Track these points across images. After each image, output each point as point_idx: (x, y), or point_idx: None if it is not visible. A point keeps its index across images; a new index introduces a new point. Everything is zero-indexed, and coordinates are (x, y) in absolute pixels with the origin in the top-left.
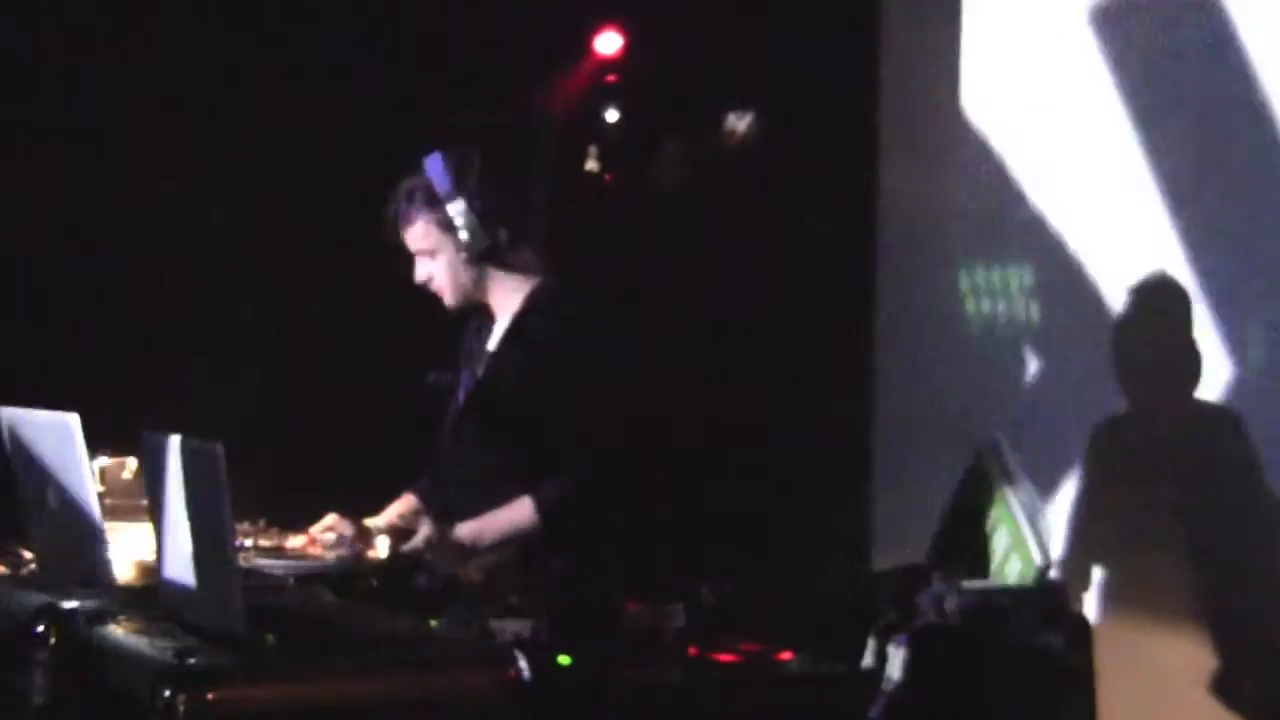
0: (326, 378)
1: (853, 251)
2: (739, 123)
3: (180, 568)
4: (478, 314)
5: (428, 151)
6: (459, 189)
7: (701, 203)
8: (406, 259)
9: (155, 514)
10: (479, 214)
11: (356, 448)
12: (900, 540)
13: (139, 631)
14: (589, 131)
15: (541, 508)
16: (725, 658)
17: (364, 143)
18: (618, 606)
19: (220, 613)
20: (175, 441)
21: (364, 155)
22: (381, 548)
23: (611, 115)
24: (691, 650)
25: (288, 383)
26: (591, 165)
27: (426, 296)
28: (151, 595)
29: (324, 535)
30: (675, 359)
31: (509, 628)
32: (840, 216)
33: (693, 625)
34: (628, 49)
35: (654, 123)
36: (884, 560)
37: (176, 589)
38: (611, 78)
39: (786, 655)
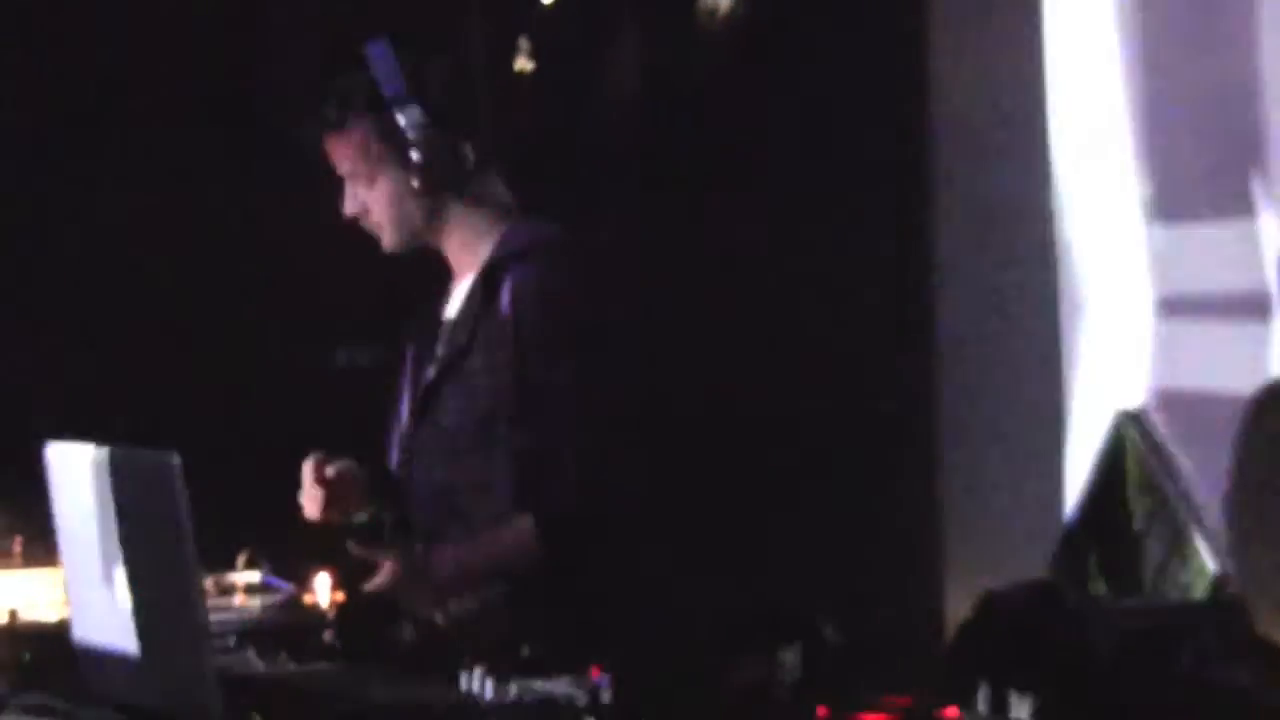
0: (204, 365)
1: (900, 174)
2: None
3: (112, 629)
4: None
5: (368, 39)
6: (414, 89)
7: (679, 114)
8: (330, 184)
9: (68, 554)
10: (440, 123)
11: (245, 461)
12: (977, 548)
13: None
14: (515, 18)
15: (544, 527)
16: (873, 718)
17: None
18: (711, 656)
19: (182, 689)
20: (103, 454)
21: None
22: (322, 591)
23: None
24: (821, 711)
25: (150, 373)
26: (522, 63)
27: (346, 236)
28: (46, 668)
29: (240, 577)
30: (684, 327)
31: (556, 690)
32: (878, 132)
33: (812, 676)
34: None
35: (603, 4)
36: (959, 576)
37: (107, 659)
38: None
39: (951, 712)
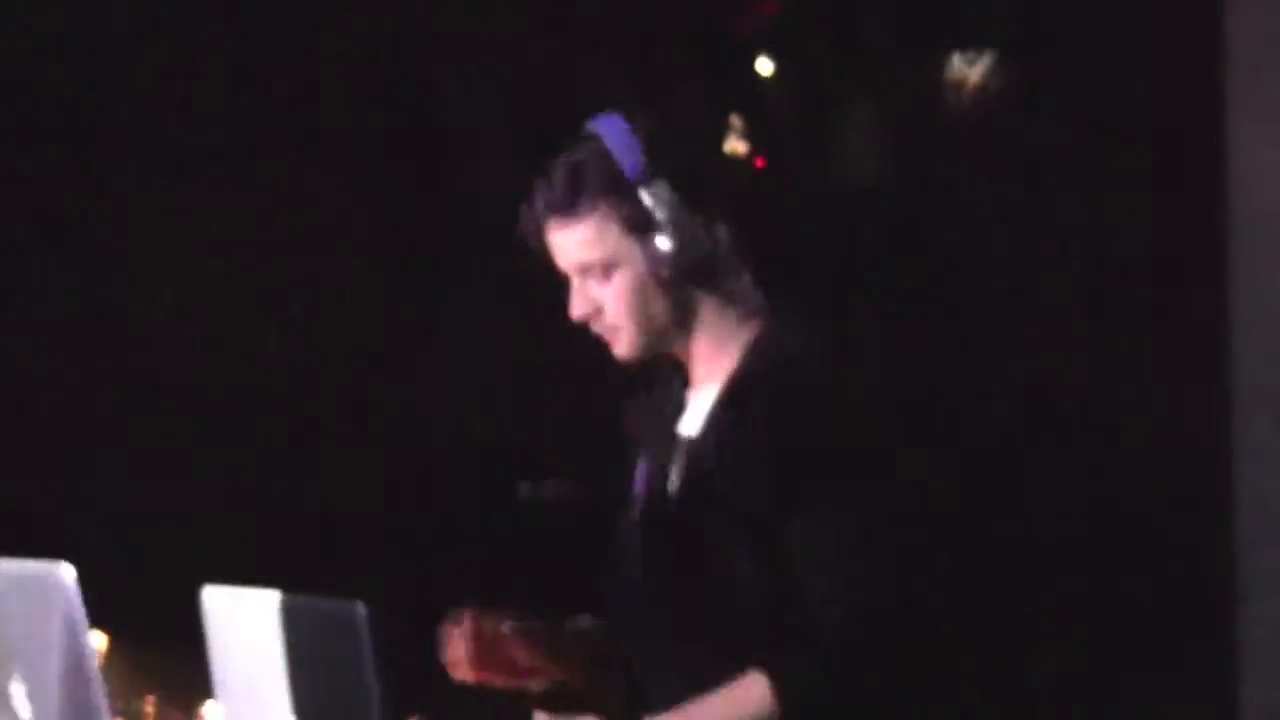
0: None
1: (1185, 250)
2: (971, 69)
3: None
4: (657, 373)
5: (591, 111)
6: (660, 166)
7: (923, 196)
8: (531, 280)
9: (230, 711)
10: (691, 202)
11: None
12: None
13: None
14: (730, 93)
15: (783, 689)
16: None
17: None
18: None
19: None
20: (276, 601)
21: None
22: None
23: (765, 66)
24: None
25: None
26: (735, 145)
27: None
28: None
29: None
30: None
31: None
32: (1157, 208)
33: None
34: None
35: (832, 75)
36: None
37: None
38: (766, 7)
39: None
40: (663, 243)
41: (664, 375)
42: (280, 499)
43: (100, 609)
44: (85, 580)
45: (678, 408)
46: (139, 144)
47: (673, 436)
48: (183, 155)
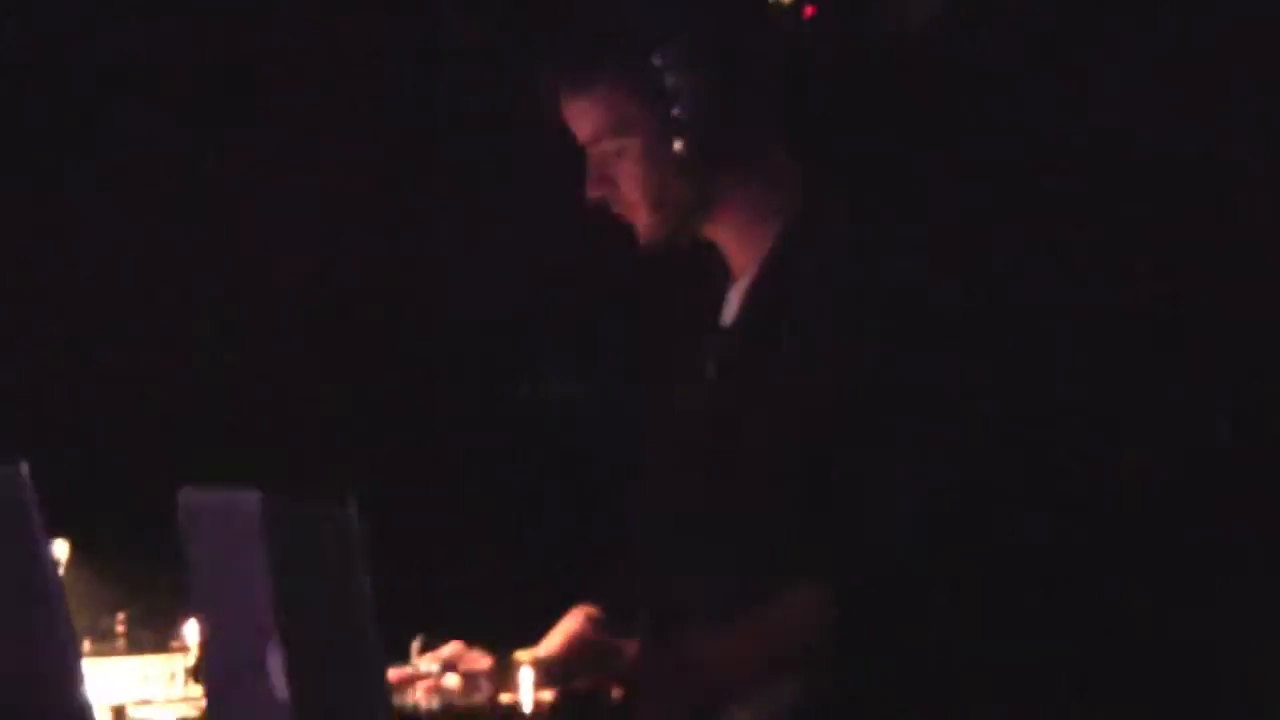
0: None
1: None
2: None
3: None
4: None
5: None
6: (679, 29)
7: (992, 54)
8: (558, 157)
9: (207, 632)
10: (712, 75)
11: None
12: None
13: None
14: None
15: (843, 598)
16: None
17: None
18: None
19: None
20: (258, 503)
21: None
22: (525, 687)
23: None
24: None
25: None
26: None
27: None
28: None
29: (428, 666)
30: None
31: None
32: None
33: None
34: None
35: None
36: None
37: None
38: None
39: None
40: (677, 112)
41: (705, 267)
42: (265, 392)
43: (62, 513)
44: (43, 480)
45: (719, 300)
46: None
47: (713, 329)
48: None
